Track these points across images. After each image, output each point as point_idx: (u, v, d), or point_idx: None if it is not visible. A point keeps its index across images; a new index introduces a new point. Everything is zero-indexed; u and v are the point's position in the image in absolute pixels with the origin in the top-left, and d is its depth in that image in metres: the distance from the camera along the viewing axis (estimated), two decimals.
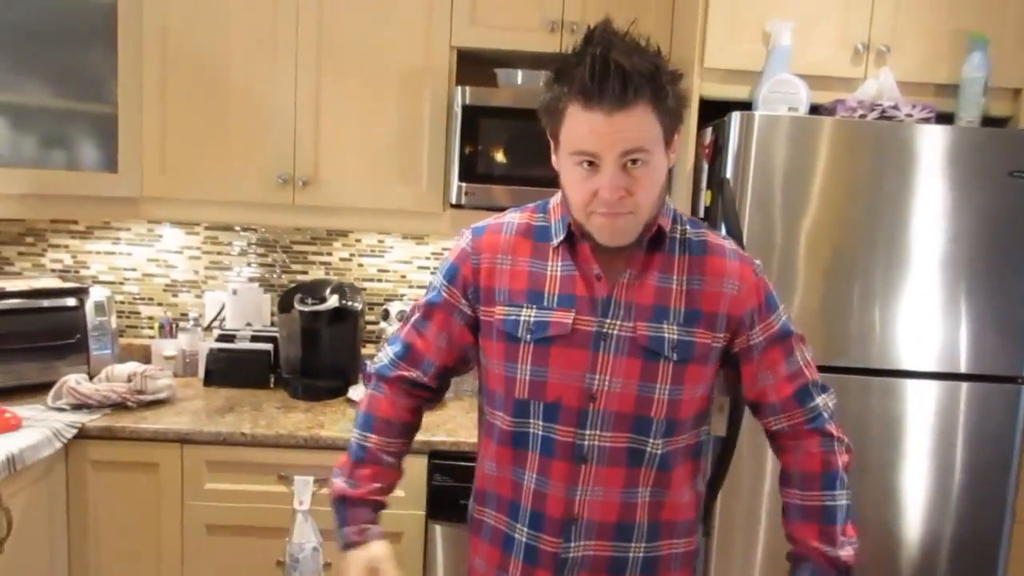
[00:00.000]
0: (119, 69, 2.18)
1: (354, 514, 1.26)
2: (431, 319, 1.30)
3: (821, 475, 1.25)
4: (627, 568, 1.23)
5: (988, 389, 1.90)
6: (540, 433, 1.22)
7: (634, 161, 1.10)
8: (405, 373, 1.30)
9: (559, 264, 1.22)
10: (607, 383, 1.19)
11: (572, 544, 1.22)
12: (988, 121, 1.97)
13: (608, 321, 1.19)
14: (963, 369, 1.89)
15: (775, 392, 1.25)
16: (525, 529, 1.24)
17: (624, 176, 1.10)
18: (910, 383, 1.89)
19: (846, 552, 1.23)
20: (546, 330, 1.20)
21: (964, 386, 1.90)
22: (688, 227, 1.25)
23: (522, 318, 1.21)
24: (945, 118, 1.94)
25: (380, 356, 1.35)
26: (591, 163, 1.11)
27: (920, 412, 1.90)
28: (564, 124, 1.12)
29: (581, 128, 1.09)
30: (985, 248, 1.85)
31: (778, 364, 1.25)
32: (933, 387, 1.90)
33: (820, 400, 1.26)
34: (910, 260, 1.85)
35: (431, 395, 1.35)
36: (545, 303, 1.21)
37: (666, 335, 1.19)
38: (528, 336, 1.21)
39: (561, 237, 1.22)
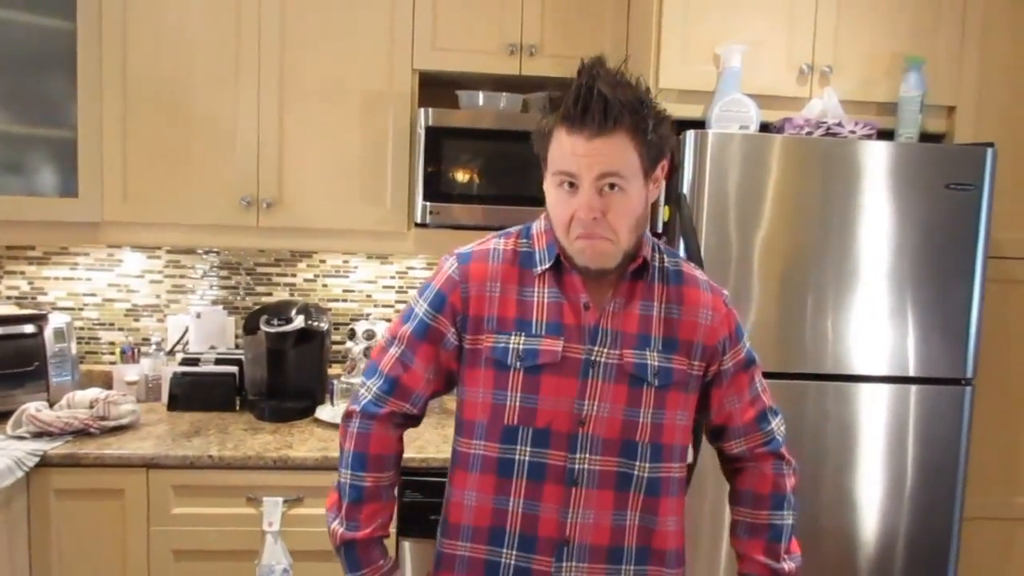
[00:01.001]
0: (79, 94, 2.17)
1: (367, 557, 1.28)
2: (416, 351, 1.29)
3: (771, 495, 1.34)
4: None
5: (935, 391, 1.99)
6: (527, 459, 1.24)
7: (611, 186, 1.15)
8: (395, 409, 1.30)
9: (545, 291, 1.25)
10: (596, 408, 1.23)
11: (564, 564, 1.24)
12: (925, 137, 2.08)
13: (596, 348, 1.23)
14: (912, 372, 1.98)
15: (739, 416, 1.33)
16: (514, 552, 1.25)
17: (600, 199, 1.16)
18: (863, 387, 1.97)
19: (788, 566, 1.33)
20: (536, 358, 1.23)
21: (913, 388, 1.99)
22: (665, 256, 1.31)
23: (511, 346, 1.24)
24: (886, 134, 2.04)
25: (361, 392, 1.32)
26: (571, 184, 1.17)
27: (872, 415, 1.98)
28: (551, 147, 1.19)
29: (564, 150, 1.16)
30: (927, 257, 1.95)
31: (743, 390, 1.33)
32: (884, 390, 1.98)
33: (774, 424, 1.36)
34: (858, 269, 1.94)
35: (417, 422, 1.36)
36: (534, 331, 1.24)
37: (649, 361, 1.24)
38: (518, 363, 1.23)
39: (548, 264, 1.25)
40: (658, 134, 1.18)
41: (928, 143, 2.02)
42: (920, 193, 1.93)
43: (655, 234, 2.08)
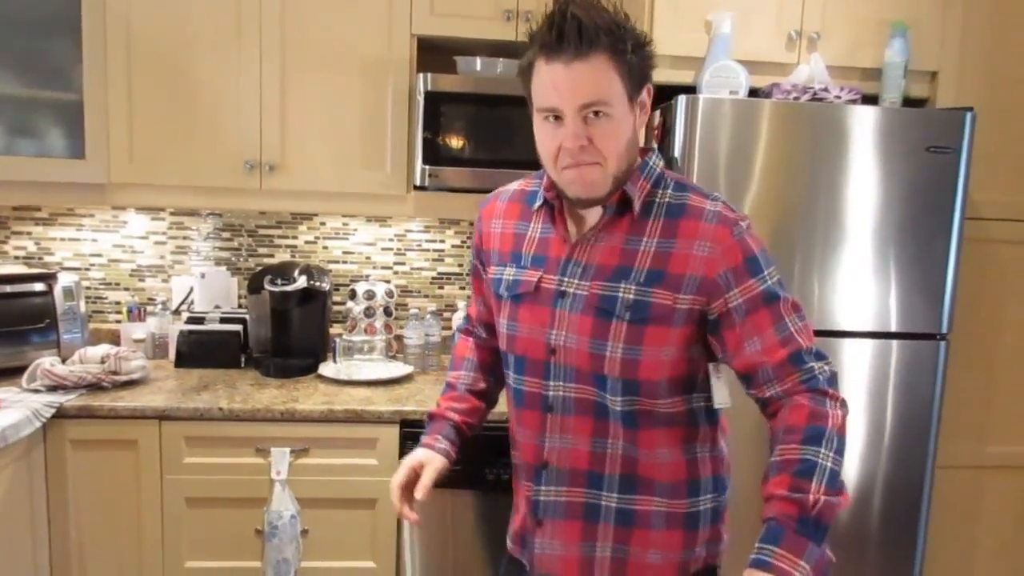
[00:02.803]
0: (84, 57, 2.21)
1: (434, 426, 1.43)
2: (474, 288, 1.51)
3: (806, 427, 1.14)
4: (600, 516, 1.29)
5: (913, 346, 2.09)
6: (514, 385, 1.34)
7: (596, 113, 1.15)
8: (471, 330, 1.54)
9: (539, 226, 1.32)
10: (563, 338, 1.26)
11: (543, 488, 1.32)
12: (909, 102, 2.15)
13: (566, 280, 1.26)
14: (893, 328, 2.07)
15: (767, 356, 1.18)
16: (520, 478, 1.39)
17: (585, 127, 1.15)
18: (846, 342, 2.07)
19: (818, 502, 1.08)
20: (517, 287, 1.31)
21: (893, 344, 2.08)
22: (671, 190, 1.26)
23: (504, 277, 1.33)
24: (870, 99, 2.11)
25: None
26: (556, 118, 1.16)
27: (855, 368, 2.08)
28: (532, 82, 1.18)
29: (544, 83, 1.16)
30: (909, 217, 2.03)
31: (765, 328, 1.19)
32: (866, 345, 2.07)
33: (816, 365, 1.19)
34: (843, 229, 2.02)
35: (494, 344, 1.46)
36: (522, 263, 1.32)
37: (621, 295, 1.21)
38: (506, 294, 1.33)
39: (540, 202, 1.32)
40: (639, 56, 1.16)
41: (911, 107, 2.09)
42: (902, 156, 2.01)
43: None
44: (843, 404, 1.19)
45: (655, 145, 2.13)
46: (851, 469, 2.10)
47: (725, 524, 1.35)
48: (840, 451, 1.14)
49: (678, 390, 1.26)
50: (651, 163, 1.27)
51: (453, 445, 1.40)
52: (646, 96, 1.21)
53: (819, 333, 2.03)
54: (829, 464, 1.11)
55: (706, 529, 1.30)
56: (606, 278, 1.23)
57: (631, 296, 1.21)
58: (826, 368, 1.20)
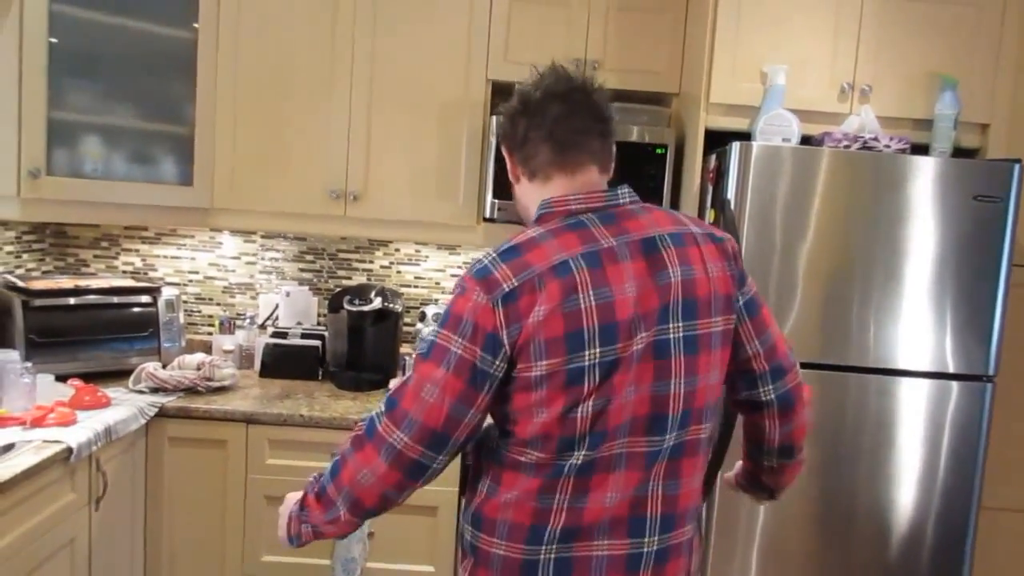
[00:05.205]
0: (197, 95, 2.49)
1: None
2: None
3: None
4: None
5: (960, 387, 2.15)
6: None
7: None
8: None
9: None
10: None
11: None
12: (960, 152, 2.24)
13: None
14: (946, 369, 2.14)
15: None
16: None
17: None
18: (903, 381, 2.14)
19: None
20: None
21: (940, 384, 2.15)
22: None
23: None
24: (919, 148, 2.21)
25: None
26: None
27: (906, 407, 2.15)
28: None
29: None
30: (957, 263, 2.11)
31: None
32: (914, 384, 2.14)
33: None
34: (895, 273, 2.11)
35: None
36: None
37: None
38: None
39: None
40: None
41: (960, 158, 2.18)
42: (951, 204, 2.10)
43: None
44: None
45: (710, 187, 2.27)
46: (902, 505, 2.16)
47: None
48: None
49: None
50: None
51: None
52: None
53: (875, 371, 2.13)
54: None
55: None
56: None
57: None
58: None
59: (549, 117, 1.24)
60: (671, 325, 1.18)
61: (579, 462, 1.17)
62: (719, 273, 1.23)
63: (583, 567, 1.20)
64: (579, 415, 1.15)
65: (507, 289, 1.15)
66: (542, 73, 1.29)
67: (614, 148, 1.31)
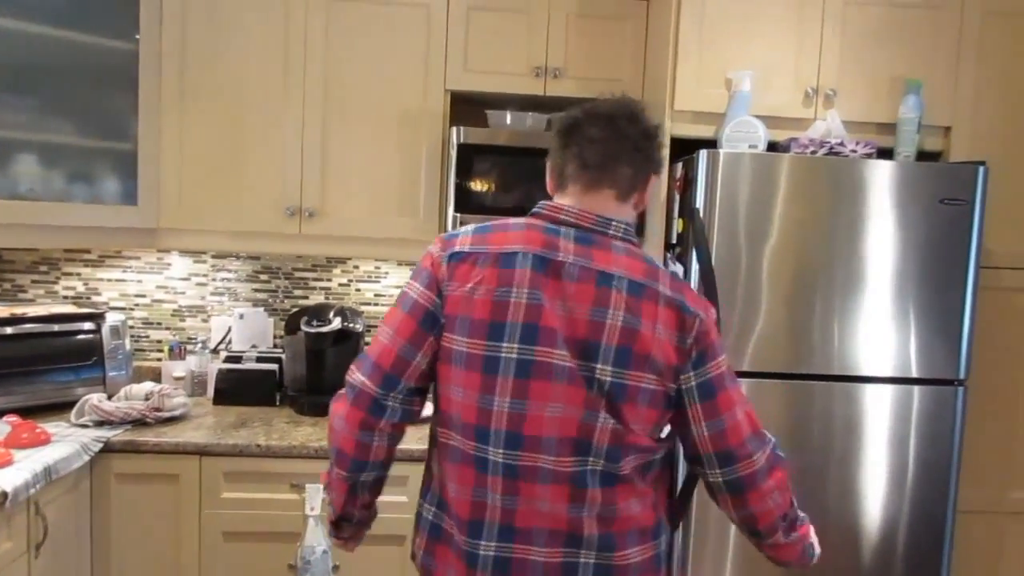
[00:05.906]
0: (140, 109, 2.36)
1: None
2: None
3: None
4: None
5: (931, 392, 2.13)
6: None
7: None
8: None
9: None
10: None
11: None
12: (924, 155, 2.23)
13: None
14: (912, 374, 2.12)
15: None
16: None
17: None
18: (867, 387, 2.12)
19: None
20: None
21: (914, 389, 2.13)
22: None
23: None
24: (885, 152, 2.20)
25: None
26: None
27: (872, 413, 2.12)
28: None
29: None
30: (924, 267, 2.10)
31: None
32: (885, 390, 2.12)
33: None
34: (861, 278, 2.08)
35: None
36: None
37: None
38: None
39: None
40: None
41: (925, 161, 2.17)
42: (917, 208, 2.08)
43: (669, 245, 2.25)
44: None
45: (677, 196, 2.22)
46: (873, 512, 2.14)
47: None
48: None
49: None
50: None
51: None
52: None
53: (840, 379, 2.10)
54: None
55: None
56: None
57: None
58: None
59: (586, 137, 1.31)
60: (599, 365, 1.22)
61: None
62: (665, 339, 1.24)
63: (447, 540, 1.34)
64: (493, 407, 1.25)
65: (457, 250, 1.29)
66: (602, 99, 1.36)
67: (651, 180, 1.36)
